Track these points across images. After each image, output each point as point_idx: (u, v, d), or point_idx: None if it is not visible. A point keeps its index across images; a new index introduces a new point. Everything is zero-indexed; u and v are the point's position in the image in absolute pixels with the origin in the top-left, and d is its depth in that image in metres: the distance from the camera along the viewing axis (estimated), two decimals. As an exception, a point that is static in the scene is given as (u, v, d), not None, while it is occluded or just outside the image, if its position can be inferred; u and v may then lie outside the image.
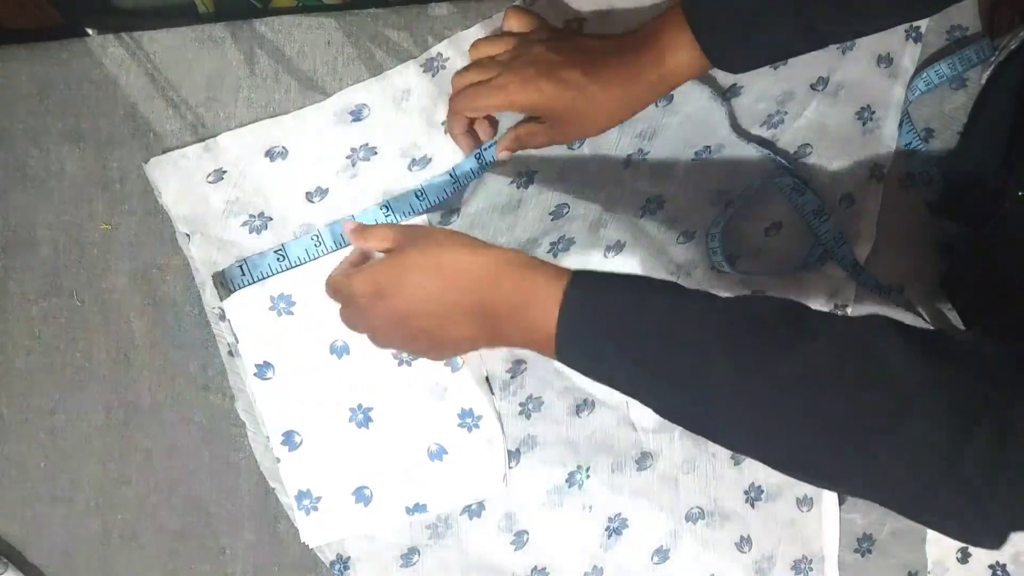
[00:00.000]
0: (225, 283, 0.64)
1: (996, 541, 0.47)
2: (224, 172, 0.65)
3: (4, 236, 0.64)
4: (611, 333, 0.51)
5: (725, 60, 0.60)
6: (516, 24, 0.64)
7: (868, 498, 0.51)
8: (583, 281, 0.52)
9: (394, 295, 0.55)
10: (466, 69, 0.64)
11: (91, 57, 0.64)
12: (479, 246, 0.55)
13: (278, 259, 0.65)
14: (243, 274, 0.64)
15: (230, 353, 0.66)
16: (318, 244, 0.65)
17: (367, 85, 0.66)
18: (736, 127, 0.72)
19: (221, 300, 0.64)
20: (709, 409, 0.50)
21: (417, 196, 0.66)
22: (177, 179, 0.64)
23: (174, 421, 0.67)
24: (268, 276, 0.64)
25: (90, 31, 0.66)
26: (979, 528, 0.47)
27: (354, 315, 0.58)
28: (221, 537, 0.68)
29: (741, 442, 0.51)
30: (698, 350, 0.49)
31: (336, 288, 0.58)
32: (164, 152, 0.64)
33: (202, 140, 0.65)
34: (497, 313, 0.53)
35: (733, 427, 0.50)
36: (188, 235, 0.64)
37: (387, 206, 0.65)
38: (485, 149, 0.65)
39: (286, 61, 0.66)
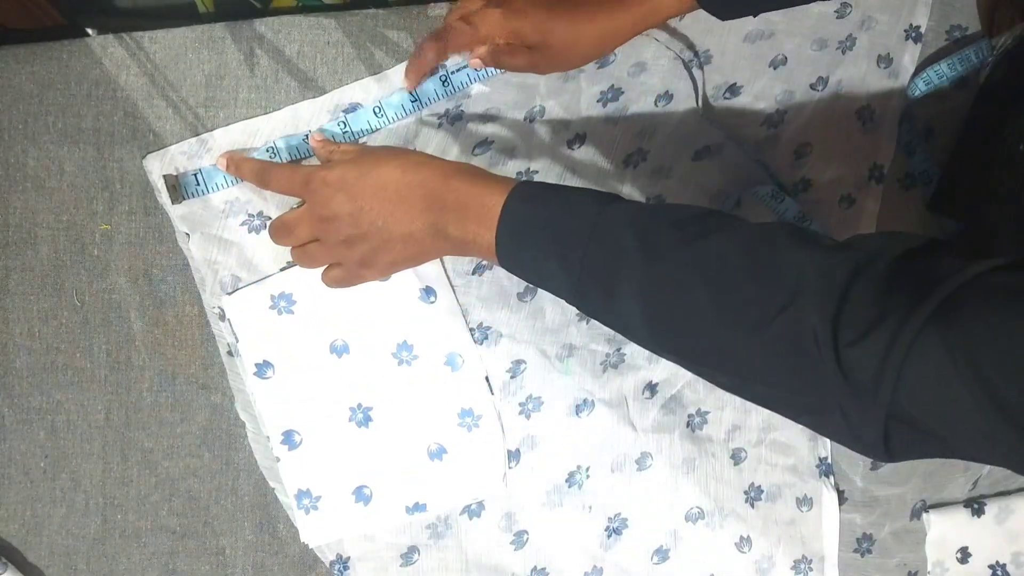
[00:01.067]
0: (179, 188, 0.64)
1: (874, 450, 0.46)
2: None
3: (4, 236, 0.64)
4: (543, 237, 0.54)
5: (712, 3, 0.61)
6: None
7: (756, 394, 0.51)
8: (525, 189, 0.56)
9: (355, 181, 0.59)
10: (450, 12, 0.65)
11: (91, 57, 0.64)
12: (440, 158, 0.61)
13: None
14: (198, 183, 0.64)
15: (229, 353, 0.66)
16: (273, 156, 0.65)
17: (364, 84, 0.66)
18: (706, 106, 0.71)
19: (172, 203, 0.63)
20: (619, 298, 0.52)
21: (375, 113, 0.66)
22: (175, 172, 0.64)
23: (174, 421, 0.67)
24: (221, 188, 0.64)
25: (90, 31, 0.66)
26: (849, 434, 0.47)
27: (308, 216, 0.61)
28: (221, 537, 0.68)
29: (641, 328, 0.53)
30: (616, 244, 0.52)
31: (307, 178, 0.60)
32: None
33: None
34: (446, 206, 0.57)
35: (636, 314, 0.52)
36: (188, 234, 0.64)
37: (344, 122, 0.66)
38: (452, 73, 0.65)
39: (286, 61, 0.66)
